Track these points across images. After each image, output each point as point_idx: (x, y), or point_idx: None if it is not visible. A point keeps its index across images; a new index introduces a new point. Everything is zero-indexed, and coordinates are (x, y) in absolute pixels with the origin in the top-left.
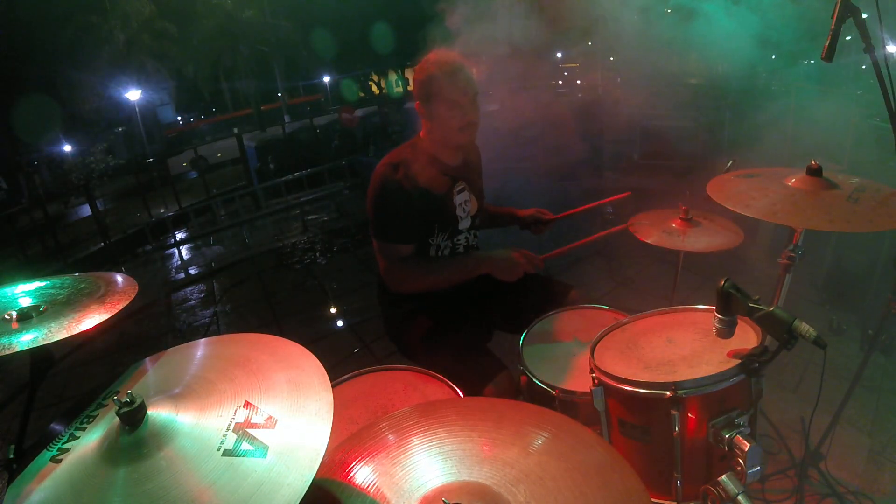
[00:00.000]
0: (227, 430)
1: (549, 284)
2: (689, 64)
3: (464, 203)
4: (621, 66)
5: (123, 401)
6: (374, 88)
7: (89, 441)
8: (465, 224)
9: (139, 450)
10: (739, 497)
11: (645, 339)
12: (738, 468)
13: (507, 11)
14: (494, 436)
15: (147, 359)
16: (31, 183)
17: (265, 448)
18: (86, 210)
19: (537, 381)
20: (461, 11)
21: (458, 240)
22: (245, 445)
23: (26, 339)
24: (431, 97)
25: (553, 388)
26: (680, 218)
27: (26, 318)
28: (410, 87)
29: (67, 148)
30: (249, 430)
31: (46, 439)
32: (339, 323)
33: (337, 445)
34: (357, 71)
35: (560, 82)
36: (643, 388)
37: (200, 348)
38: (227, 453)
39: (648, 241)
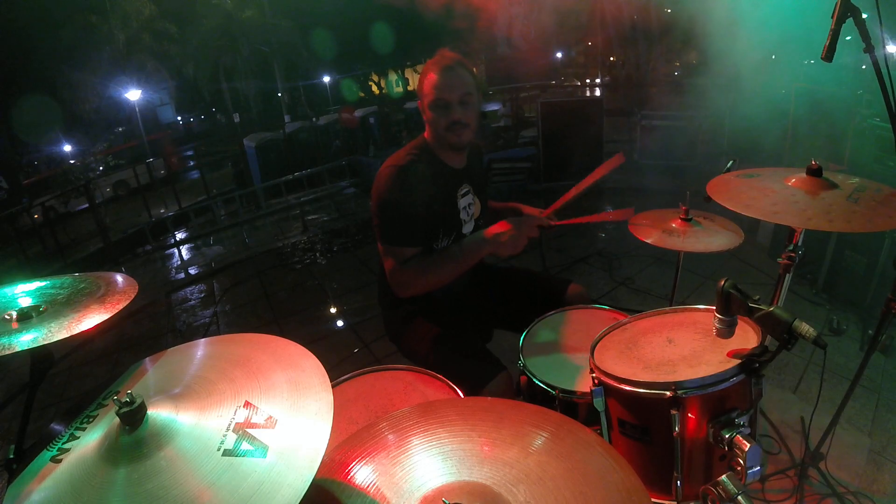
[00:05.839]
0: (227, 430)
1: (547, 282)
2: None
3: (468, 206)
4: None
5: (123, 401)
6: (374, 88)
7: (89, 441)
8: (468, 228)
9: (139, 450)
10: (739, 497)
11: (645, 339)
12: (738, 468)
13: None
14: (494, 436)
15: (147, 359)
16: (32, 183)
17: (265, 448)
18: (85, 210)
19: (537, 381)
20: None
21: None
22: (245, 445)
23: (26, 339)
24: (422, 94)
25: (553, 388)
26: (680, 218)
27: (26, 318)
28: (411, 87)
29: (67, 148)
30: (249, 430)
31: (46, 439)
32: (339, 323)
33: (337, 445)
34: (357, 71)
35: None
36: (643, 388)
37: (200, 348)
38: (227, 453)
39: (648, 241)
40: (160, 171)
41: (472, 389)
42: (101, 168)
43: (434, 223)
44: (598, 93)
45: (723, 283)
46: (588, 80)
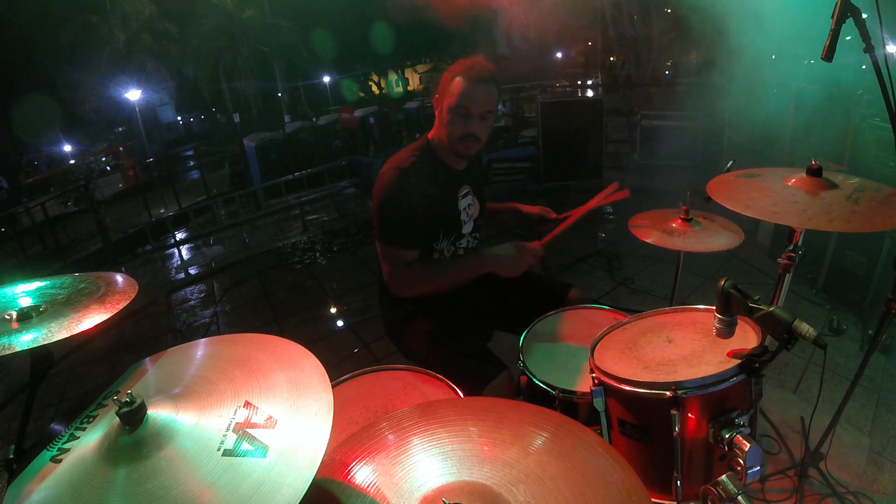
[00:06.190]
0: (227, 430)
1: (549, 284)
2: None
3: (467, 207)
4: None
5: (123, 401)
6: (374, 88)
7: (89, 441)
8: (467, 228)
9: (139, 450)
10: (739, 497)
11: (645, 339)
12: (738, 468)
13: None
14: (494, 436)
15: (147, 359)
16: (32, 183)
17: (265, 448)
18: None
19: (537, 381)
20: None
21: (461, 244)
22: (245, 445)
23: (26, 339)
24: (444, 95)
25: (553, 388)
26: (680, 218)
27: (26, 318)
28: (411, 87)
29: (67, 148)
30: (249, 430)
31: (46, 439)
32: (339, 323)
33: (337, 445)
34: (357, 71)
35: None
36: (643, 388)
37: (200, 348)
38: (227, 453)
39: (648, 241)
40: (118, 184)
41: (472, 389)
42: (102, 160)
43: (434, 224)
44: (595, 93)
45: (723, 283)
46: (588, 81)
